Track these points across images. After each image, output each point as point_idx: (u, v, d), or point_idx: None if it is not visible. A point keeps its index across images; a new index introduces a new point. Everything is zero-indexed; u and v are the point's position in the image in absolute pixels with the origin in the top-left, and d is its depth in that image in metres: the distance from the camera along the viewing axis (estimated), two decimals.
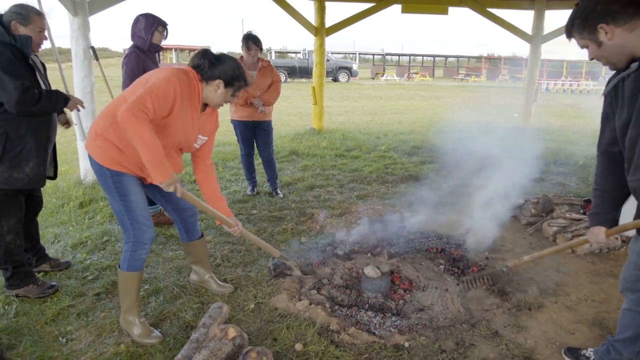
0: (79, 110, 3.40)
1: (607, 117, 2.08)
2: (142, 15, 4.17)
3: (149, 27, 4.13)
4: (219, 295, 3.25)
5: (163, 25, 4.23)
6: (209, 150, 2.96)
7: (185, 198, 2.63)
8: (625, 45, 1.81)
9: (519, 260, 3.12)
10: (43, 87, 3.12)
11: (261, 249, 3.48)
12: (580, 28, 1.88)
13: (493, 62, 46.98)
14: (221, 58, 2.63)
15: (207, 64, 2.59)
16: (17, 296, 3.15)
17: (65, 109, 3.37)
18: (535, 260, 3.25)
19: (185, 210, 3.09)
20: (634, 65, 1.83)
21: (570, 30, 1.93)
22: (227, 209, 3.02)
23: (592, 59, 1.95)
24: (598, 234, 2.19)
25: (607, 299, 3.25)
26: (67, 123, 3.58)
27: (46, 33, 3.25)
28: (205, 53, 2.63)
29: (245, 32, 5.07)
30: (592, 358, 2.53)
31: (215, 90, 2.63)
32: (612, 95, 1.99)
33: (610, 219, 2.19)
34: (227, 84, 2.63)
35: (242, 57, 5.16)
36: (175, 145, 2.69)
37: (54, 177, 3.47)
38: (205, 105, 2.75)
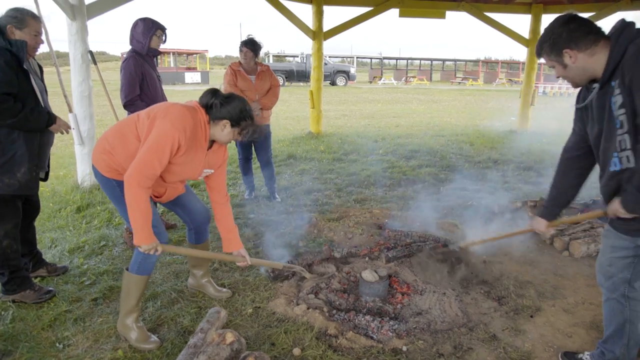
0: (62, 133, 3.31)
1: (575, 126, 2.35)
2: (140, 19, 4.17)
3: (147, 31, 4.13)
4: (217, 300, 3.25)
5: (162, 29, 4.23)
6: (222, 181, 3.00)
7: (168, 251, 2.83)
8: (587, 68, 2.03)
9: (470, 242, 3.52)
10: (37, 92, 3.10)
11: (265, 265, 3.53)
12: (548, 51, 2.09)
13: (490, 65, 47.14)
14: (229, 98, 2.66)
15: (217, 104, 2.62)
16: (13, 301, 3.14)
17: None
18: (487, 243, 3.70)
19: (199, 213, 3.14)
20: (596, 87, 2.06)
21: (539, 51, 2.14)
22: (237, 240, 3.07)
23: (558, 77, 2.19)
24: (539, 224, 2.60)
25: None
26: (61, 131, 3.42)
27: (43, 37, 3.24)
28: (215, 93, 2.67)
29: (246, 38, 5.07)
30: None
31: (222, 129, 2.66)
32: (583, 111, 2.22)
33: (553, 214, 2.55)
34: (234, 124, 2.65)
35: (240, 62, 5.17)
36: (178, 179, 2.79)
37: (45, 179, 3.46)
38: (213, 141, 2.78)
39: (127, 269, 2.79)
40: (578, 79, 2.11)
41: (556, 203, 2.51)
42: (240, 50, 5.06)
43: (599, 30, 2.00)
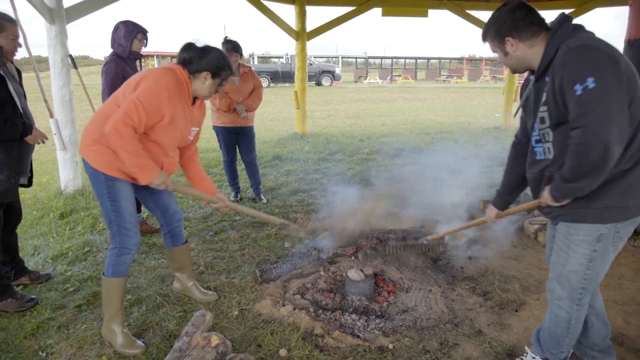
0: (38, 143, 3.25)
1: (522, 115, 2.36)
2: (121, 22, 4.13)
3: (129, 34, 4.09)
4: (203, 303, 3.23)
5: (143, 32, 4.20)
6: (196, 138, 3.05)
7: (176, 190, 2.80)
8: (525, 59, 2.08)
9: (436, 235, 3.51)
10: (15, 97, 3.05)
11: (261, 219, 3.63)
12: (492, 36, 2.11)
13: (474, 63, 47.54)
14: (206, 50, 2.66)
15: (194, 57, 2.63)
16: None
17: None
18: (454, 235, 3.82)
19: (173, 215, 3.13)
20: (532, 78, 2.13)
21: (485, 35, 2.16)
22: (212, 187, 3.09)
23: (499, 62, 2.20)
24: (490, 211, 2.60)
25: None
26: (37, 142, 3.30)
27: (21, 41, 3.20)
28: (190, 47, 2.66)
29: (223, 38, 5.05)
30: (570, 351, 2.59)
31: (203, 82, 2.67)
32: (524, 97, 2.25)
33: (504, 203, 2.56)
34: (214, 75, 2.67)
35: None
36: (174, 145, 2.77)
37: (29, 184, 3.42)
38: (195, 98, 2.80)
39: (103, 274, 2.76)
40: (517, 67, 2.15)
41: (507, 191, 2.52)
42: (229, 55, 5.00)
43: (542, 21, 2.03)
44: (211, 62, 2.64)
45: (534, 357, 2.44)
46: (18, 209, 3.43)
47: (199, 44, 2.69)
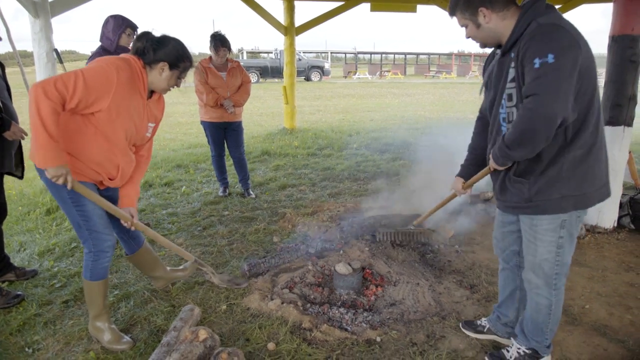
0: (22, 139, 3.18)
1: (485, 89, 2.36)
2: (111, 16, 4.09)
3: (117, 28, 4.04)
4: (190, 276, 3.28)
5: (132, 27, 4.14)
6: (152, 136, 2.80)
7: (75, 189, 2.36)
8: (497, 31, 2.07)
9: (420, 218, 3.62)
10: None
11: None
12: (463, 8, 2.10)
13: (463, 58, 47.70)
14: (163, 40, 2.49)
15: (149, 47, 2.45)
16: None
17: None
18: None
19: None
20: (498, 53, 2.15)
21: (454, 9, 2.14)
22: (133, 197, 2.77)
23: (468, 37, 2.17)
24: (457, 183, 2.63)
25: (572, 287, 3.34)
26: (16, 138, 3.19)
27: (3, 35, 3.16)
28: (145, 35, 2.49)
29: (212, 33, 5.02)
30: (487, 326, 2.76)
31: (159, 73, 2.49)
32: (487, 71, 2.29)
33: (468, 174, 2.58)
34: (172, 66, 2.49)
35: (210, 57, 5.12)
36: (128, 138, 2.53)
37: (21, 176, 3.39)
38: (152, 92, 2.62)
39: (83, 277, 2.69)
40: (487, 41, 2.14)
41: (472, 163, 2.57)
42: (217, 49, 4.97)
43: None
44: (169, 53, 2.46)
45: (519, 348, 2.48)
46: (3, 205, 3.39)
47: (157, 33, 2.52)
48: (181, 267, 3.34)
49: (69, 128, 2.36)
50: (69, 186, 2.30)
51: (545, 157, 2.05)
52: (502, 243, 2.55)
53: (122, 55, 2.50)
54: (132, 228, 2.76)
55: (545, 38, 1.85)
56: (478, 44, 2.20)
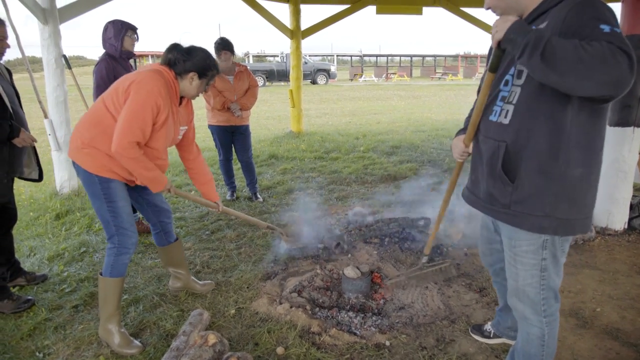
0: (31, 145, 3.22)
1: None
2: (110, 22, 4.11)
3: (118, 33, 4.06)
4: (203, 296, 3.26)
5: (132, 29, 4.16)
6: (193, 135, 3.09)
7: (177, 194, 2.90)
8: (521, 1, 1.85)
9: (428, 241, 3.14)
10: (4, 96, 3.02)
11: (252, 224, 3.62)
12: None
13: (470, 60, 47.60)
14: (192, 51, 2.68)
15: (180, 58, 2.64)
16: None
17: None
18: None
19: (164, 212, 3.14)
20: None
21: None
22: (214, 192, 3.20)
23: (487, 8, 1.95)
24: (457, 144, 2.20)
25: (583, 290, 3.32)
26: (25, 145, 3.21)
27: (12, 42, 3.19)
28: (175, 47, 2.67)
29: (216, 39, 5.05)
30: (492, 331, 2.74)
31: (190, 82, 2.69)
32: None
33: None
34: (201, 75, 2.69)
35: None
36: (165, 147, 2.76)
37: (39, 179, 3.41)
38: (182, 97, 2.82)
39: (101, 274, 2.77)
40: (509, 10, 1.87)
41: (466, 124, 2.23)
42: (218, 54, 5.01)
43: None
44: (197, 63, 2.65)
45: None
46: (13, 210, 3.41)
47: (184, 44, 2.71)
48: (202, 282, 3.38)
49: (110, 132, 2.55)
50: (172, 193, 2.86)
51: (540, 162, 1.77)
52: (489, 259, 2.41)
53: (154, 66, 2.65)
54: (219, 212, 3.32)
55: (603, 10, 1.59)
56: (495, 13, 1.93)
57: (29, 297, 3.23)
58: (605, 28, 1.53)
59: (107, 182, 2.64)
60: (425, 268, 3.43)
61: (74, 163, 2.69)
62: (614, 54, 1.46)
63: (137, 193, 2.98)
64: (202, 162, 3.16)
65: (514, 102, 1.82)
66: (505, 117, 1.85)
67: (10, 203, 3.36)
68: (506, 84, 1.87)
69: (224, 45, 4.98)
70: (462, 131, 2.26)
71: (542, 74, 1.57)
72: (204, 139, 9.45)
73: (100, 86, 3.97)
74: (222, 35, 5.11)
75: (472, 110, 2.18)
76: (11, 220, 3.42)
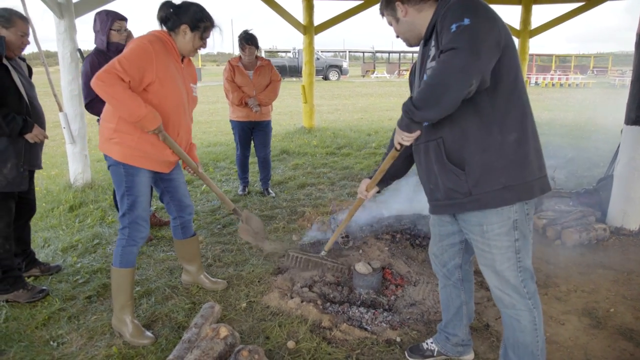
0: (42, 141, 3.20)
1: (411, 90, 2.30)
2: (97, 13, 3.85)
3: (104, 25, 3.76)
4: (213, 291, 3.28)
5: (120, 19, 3.83)
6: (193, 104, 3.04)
7: (166, 142, 2.69)
8: (415, 24, 2.03)
9: (330, 242, 3.27)
10: (21, 88, 3.04)
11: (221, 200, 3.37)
12: (385, 5, 2.09)
13: None
14: (182, 5, 2.67)
15: (170, 13, 2.64)
16: (6, 301, 3.13)
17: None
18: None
19: (186, 208, 3.17)
20: (421, 44, 2.08)
21: (381, 8, 2.13)
22: (194, 154, 3.10)
23: (397, 37, 2.17)
24: (362, 185, 2.47)
25: (596, 289, 3.28)
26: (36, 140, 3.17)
27: (30, 38, 3.22)
28: (165, 4, 2.67)
29: (240, 33, 5.03)
30: (436, 349, 2.57)
31: (183, 37, 2.67)
32: (411, 73, 2.25)
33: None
34: (193, 28, 2.66)
35: (240, 57, 5.14)
36: (182, 104, 2.75)
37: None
38: (183, 57, 2.80)
39: (112, 264, 2.81)
40: (409, 35, 2.09)
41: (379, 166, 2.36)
42: (242, 48, 5.01)
43: None
44: (188, 15, 2.63)
45: None
46: (31, 201, 3.46)
47: (176, 1, 2.71)
48: (214, 279, 3.39)
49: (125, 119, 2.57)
50: (161, 138, 2.65)
51: (477, 142, 1.89)
52: (442, 258, 2.38)
53: (149, 32, 2.68)
54: (197, 176, 3.06)
55: (461, 7, 1.76)
56: (405, 44, 2.17)
57: (44, 287, 3.28)
58: (453, 27, 1.71)
59: (132, 175, 2.68)
60: (324, 259, 3.45)
61: (104, 155, 2.74)
62: (442, 60, 1.69)
63: (163, 185, 3.02)
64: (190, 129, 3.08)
65: None
66: None
67: (30, 194, 3.39)
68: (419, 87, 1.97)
69: (247, 39, 4.96)
70: (372, 172, 2.44)
71: (434, 117, 1.79)
72: (216, 134, 9.50)
73: (87, 84, 3.65)
74: (235, 30, 5.07)
75: (388, 146, 2.33)
76: (30, 212, 3.47)
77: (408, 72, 2.33)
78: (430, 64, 1.91)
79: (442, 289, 2.49)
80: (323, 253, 3.38)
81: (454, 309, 2.47)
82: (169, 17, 2.64)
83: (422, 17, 2.01)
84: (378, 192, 2.52)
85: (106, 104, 2.68)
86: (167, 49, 2.63)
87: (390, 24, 2.14)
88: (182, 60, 2.80)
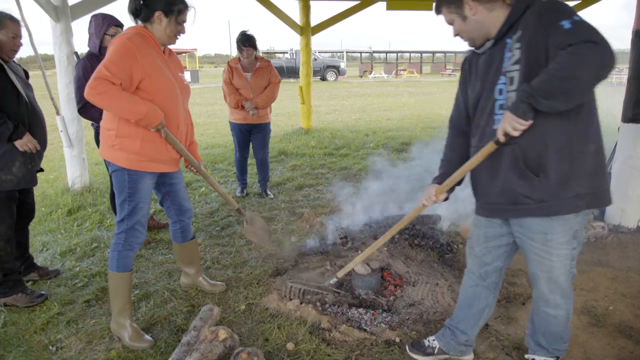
0: (30, 151, 3.07)
1: (460, 92, 2.29)
2: (93, 16, 3.83)
3: (99, 29, 3.74)
4: (212, 294, 3.27)
5: (117, 25, 3.79)
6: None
7: (168, 139, 2.67)
8: (485, 23, 1.99)
9: (346, 268, 3.09)
10: (19, 87, 3.02)
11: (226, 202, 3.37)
12: (448, 2, 2.04)
13: None
14: None
15: (140, 4, 2.57)
16: (5, 305, 3.13)
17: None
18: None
19: (186, 212, 3.17)
20: (489, 44, 2.02)
21: (439, 6, 2.08)
22: (196, 153, 3.09)
23: (456, 35, 2.11)
24: (430, 190, 2.32)
25: (595, 288, 3.28)
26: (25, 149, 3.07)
27: (25, 41, 3.21)
28: None
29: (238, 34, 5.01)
30: (437, 346, 2.55)
31: (159, 24, 2.59)
32: (467, 71, 2.21)
33: (445, 179, 2.30)
34: (167, 13, 2.57)
35: (239, 58, 5.12)
36: (176, 94, 2.70)
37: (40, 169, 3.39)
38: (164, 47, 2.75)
39: (109, 269, 2.79)
40: (475, 34, 2.03)
41: (448, 172, 2.30)
42: (240, 50, 4.98)
43: None
44: (160, 1, 2.55)
45: None
46: (31, 205, 3.45)
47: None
48: (213, 282, 3.38)
49: (124, 122, 2.58)
50: (163, 135, 2.62)
51: (557, 150, 1.89)
52: (483, 259, 2.35)
53: (125, 29, 2.65)
54: (199, 174, 3.04)
55: (559, 7, 1.75)
56: (467, 44, 2.11)
57: (42, 292, 3.27)
58: (566, 24, 1.71)
59: (135, 181, 2.67)
60: (327, 290, 3.17)
61: (105, 161, 2.76)
62: (579, 52, 1.64)
63: (164, 190, 3.02)
64: (191, 125, 3.09)
65: None
66: None
67: (29, 198, 3.39)
68: (500, 92, 1.97)
69: (244, 40, 4.92)
70: (437, 178, 2.35)
71: (560, 107, 1.77)
72: (214, 136, 9.50)
73: (79, 88, 3.64)
74: (233, 32, 5.05)
75: (446, 153, 2.38)
76: (29, 215, 3.47)
77: (459, 73, 2.30)
78: (513, 68, 1.89)
79: (470, 287, 2.45)
80: (334, 280, 3.13)
81: (476, 309, 2.44)
82: (140, 8, 2.57)
83: (492, 17, 1.97)
84: (446, 199, 2.36)
85: (104, 111, 2.66)
86: (148, 42, 2.57)
87: (450, 23, 2.08)
88: (164, 51, 2.74)
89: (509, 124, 1.83)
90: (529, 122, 1.81)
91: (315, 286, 3.17)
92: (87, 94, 2.38)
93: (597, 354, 2.58)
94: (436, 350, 2.55)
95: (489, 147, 1.98)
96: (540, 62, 1.80)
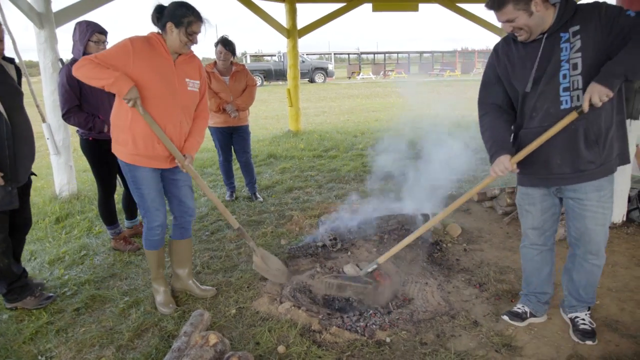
0: None
1: (499, 78, 2.57)
2: (77, 23, 3.80)
3: (83, 36, 3.72)
4: (202, 298, 3.28)
5: (101, 32, 3.76)
6: (203, 90, 3.17)
7: (146, 119, 2.80)
8: (544, 19, 2.29)
9: (388, 253, 3.23)
10: None
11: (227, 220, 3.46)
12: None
13: (467, 55, 47.51)
14: (168, 5, 2.85)
15: (154, 15, 2.85)
16: (15, 308, 3.20)
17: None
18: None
19: (187, 209, 3.26)
20: (544, 36, 2.34)
21: (506, 2, 2.27)
22: (191, 147, 3.08)
23: (514, 29, 2.34)
24: (504, 161, 2.46)
25: None
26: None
27: (9, 45, 3.17)
28: (155, 7, 2.86)
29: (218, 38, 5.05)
30: (528, 311, 2.89)
31: (170, 34, 2.83)
32: (502, 59, 2.51)
33: (511, 150, 2.51)
34: (177, 24, 2.80)
35: (215, 62, 5.14)
36: (167, 95, 2.86)
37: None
38: (179, 54, 2.95)
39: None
40: (536, 29, 2.31)
41: (505, 145, 2.50)
42: (218, 51, 5.01)
43: None
44: (169, 13, 2.79)
45: (586, 313, 2.76)
46: (28, 220, 3.39)
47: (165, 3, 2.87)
48: (204, 287, 3.38)
49: (121, 116, 2.87)
50: (140, 111, 2.75)
51: (606, 120, 2.32)
52: (542, 228, 2.72)
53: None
54: (184, 170, 3.06)
55: (613, 3, 2.22)
56: (521, 37, 2.35)
57: (50, 294, 3.32)
58: (631, 13, 2.14)
59: (134, 171, 2.95)
60: (361, 281, 3.21)
61: (117, 159, 3.03)
62: None
63: (164, 184, 3.15)
64: (198, 118, 3.14)
65: (581, 87, 2.27)
66: (578, 100, 2.28)
67: (25, 212, 3.30)
68: (564, 77, 2.31)
69: (225, 43, 4.96)
70: (501, 151, 2.48)
71: (636, 79, 2.55)
72: (207, 140, 9.41)
73: (63, 94, 3.68)
74: (225, 35, 5.01)
75: (493, 134, 2.56)
76: (26, 226, 3.40)
77: (484, 66, 2.65)
78: (576, 56, 2.25)
79: (536, 255, 2.80)
80: (374, 266, 3.19)
81: (547, 270, 2.83)
82: (157, 19, 2.84)
83: (548, 14, 2.29)
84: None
85: (112, 109, 2.95)
86: (153, 47, 2.81)
87: (511, 20, 2.30)
88: (178, 57, 2.93)
89: (598, 95, 2.15)
90: (613, 94, 2.16)
91: (349, 278, 3.28)
92: (73, 72, 2.69)
93: (585, 348, 2.61)
94: (528, 314, 2.88)
95: (571, 116, 2.28)
96: (600, 46, 2.20)
